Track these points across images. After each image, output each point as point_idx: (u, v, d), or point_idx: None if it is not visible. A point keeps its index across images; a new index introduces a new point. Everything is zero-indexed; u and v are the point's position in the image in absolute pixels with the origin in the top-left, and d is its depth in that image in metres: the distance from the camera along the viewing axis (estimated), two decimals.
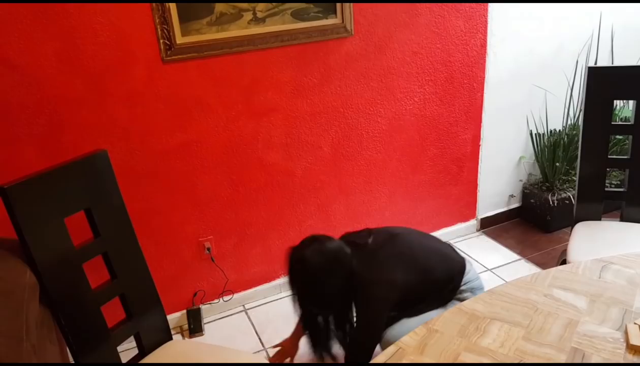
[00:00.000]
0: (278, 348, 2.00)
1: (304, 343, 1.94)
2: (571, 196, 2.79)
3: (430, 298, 1.69)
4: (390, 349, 1.15)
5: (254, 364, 1.55)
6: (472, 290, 1.72)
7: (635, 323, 1.17)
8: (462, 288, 1.71)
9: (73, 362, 1.36)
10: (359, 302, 1.63)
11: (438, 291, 1.69)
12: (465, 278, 1.73)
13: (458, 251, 1.84)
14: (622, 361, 1.08)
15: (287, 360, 1.98)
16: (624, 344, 1.13)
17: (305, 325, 1.80)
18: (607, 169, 2.04)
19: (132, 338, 1.54)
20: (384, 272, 1.60)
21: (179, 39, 1.88)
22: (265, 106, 2.15)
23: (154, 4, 1.81)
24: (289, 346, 1.97)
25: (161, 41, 1.87)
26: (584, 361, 1.09)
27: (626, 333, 1.15)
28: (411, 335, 1.19)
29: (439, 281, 1.68)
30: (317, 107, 2.25)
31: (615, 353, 1.10)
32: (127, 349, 1.96)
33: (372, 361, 1.12)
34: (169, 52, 1.89)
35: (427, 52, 2.38)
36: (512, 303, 1.28)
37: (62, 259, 1.33)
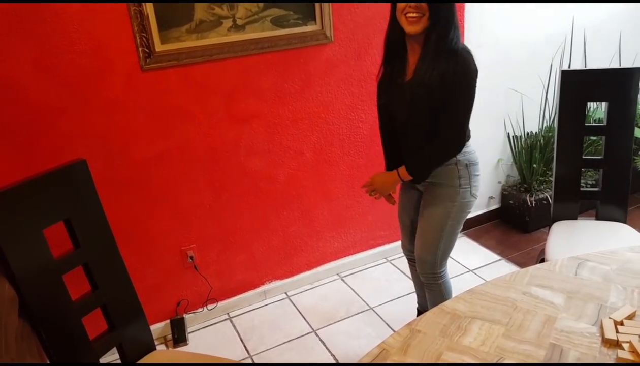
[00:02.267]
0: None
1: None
2: (548, 197, 2.86)
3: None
4: (374, 351, 1.16)
5: (239, 364, 1.54)
6: (468, 160, 1.69)
7: (610, 318, 1.21)
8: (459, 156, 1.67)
9: None
10: (457, 77, 1.53)
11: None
12: (467, 146, 1.69)
13: None
14: (597, 354, 1.11)
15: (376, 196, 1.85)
16: (600, 338, 1.16)
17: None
18: (583, 170, 2.09)
19: (115, 349, 1.52)
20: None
21: (158, 47, 1.88)
22: (246, 113, 2.15)
23: (132, 12, 1.81)
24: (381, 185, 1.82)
25: (140, 49, 1.87)
26: (562, 356, 1.11)
27: (601, 327, 1.19)
28: (394, 336, 1.20)
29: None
30: (299, 113, 2.27)
31: (592, 347, 1.13)
32: (111, 361, 1.94)
33: (357, 362, 1.13)
34: (148, 60, 1.89)
35: None
36: (492, 301, 1.31)
37: (42, 271, 1.31)
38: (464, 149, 1.70)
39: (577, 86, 1.99)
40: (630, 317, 1.21)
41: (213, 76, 2.03)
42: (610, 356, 1.10)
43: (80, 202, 1.42)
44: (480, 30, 2.59)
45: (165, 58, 1.91)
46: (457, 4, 1.71)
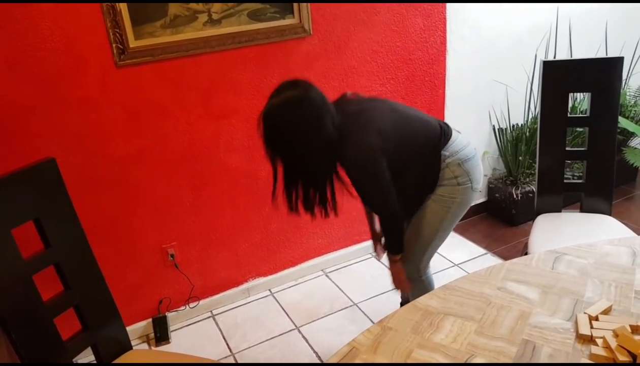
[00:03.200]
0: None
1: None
2: (534, 189, 2.84)
3: (415, 162, 1.62)
4: (344, 349, 1.14)
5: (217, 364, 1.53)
6: (460, 159, 1.65)
7: (585, 313, 1.19)
8: (446, 153, 1.64)
9: None
10: (350, 167, 1.49)
11: (424, 151, 1.62)
12: (453, 146, 1.65)
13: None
14: (570, 350, 1.10)
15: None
16: (574, 334, 1.14)
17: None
18: (569, 162, 2.07)
19: (89, 349, 1.50)
20: (366, 125, 1.48)
21: (132, 43, 1.85)
22: (225, 109, 2.12)
23: (104, 8, 1.77)
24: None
25: (114, 45, 1.83)
26: (534, 352, 1.10)
27: (576, 323, 1.17)
28: (365, 334, 1.18)
29: (419, 141, 1.61)
30: None
31: (565, 343, 1.12)
32: (85, 362, 1.92)
33: (326, 361, 1.12)
34: (122, 57, 1.86)
35: (387, 50, 2.39)
36: (466, 297, 1.29)
37: (11, 272, 1.29)
38: (452, 149, 1.65)
39: (559, 76, 1.97)
40: (606, 312, 1.20)
41: (189, 72, 2.00)
42: (583, 352, 1.09)
43: (50, 201, 1.40)
44: (463, 22, 2.56)
45: (140, 54, 1.88)
46: None
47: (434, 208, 1.71)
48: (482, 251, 2.73)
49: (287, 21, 2.08)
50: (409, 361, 1.10)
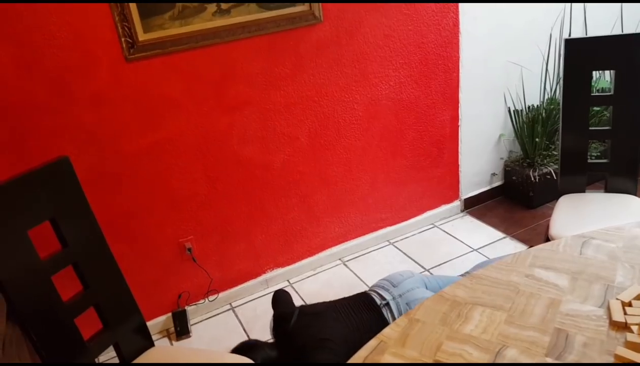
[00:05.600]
0: None
1: None
2: (552, 171, 2.79)
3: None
4: (372, 342, 1.12)
5: (240, 364, 1.51)
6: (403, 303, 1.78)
7: (617, 299, 1.15)
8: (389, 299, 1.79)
9: None
10: None
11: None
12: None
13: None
14: (605, 338, 1.06)
15: None
16: (607, 321, 1.11)
17: None
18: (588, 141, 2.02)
19: (111, 348, 1.49)
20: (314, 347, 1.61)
21: (142, 36, 1.82)
22: (237, 100, 2.09)
23: (112, 2, 1.74)
24: None
25: (123, 39, 1.80)
26: (568, 341, 1.07)
27: (609, 309, 1.14)
28: (392, 327, 1.16)
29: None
30: (292, 97, 2.20)
31: (599, 331, 1.09)
32: (108, 360, 1.92)
33: (354, 356, 1.09)
34: (131, 50, 1.83)
35: (399, 34, 2.33)
36: (493, 286, 1.26)
37: (29, 273, 1.28)
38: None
39: (581, 54, 1.91)
40: (639, 297, 1.16)
41: (200, 64, 1.97)
42: (618, 339, 1.06)
43: (65, 200, 1.38)
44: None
45: (150, 47, 1.85)
46: None
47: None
48: (500, 235, 2.69)
49: (297, 8, 2.03)
50: (439, 353, 1.07)
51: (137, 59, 1.85)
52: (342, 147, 2.41)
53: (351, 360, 1.08)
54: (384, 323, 1.72)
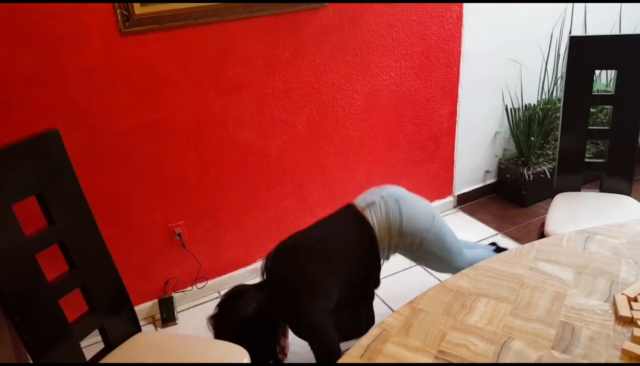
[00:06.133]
0: None
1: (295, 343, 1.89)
2: (546, 170, 2.78)
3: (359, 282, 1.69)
4: (374, 331, 1.08)
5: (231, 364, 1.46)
6: (397, 231, 1.67)
7: (622, 294, 1.14)
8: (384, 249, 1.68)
9: (31, 362, 1.25)
10: (299, 331, 1.58)
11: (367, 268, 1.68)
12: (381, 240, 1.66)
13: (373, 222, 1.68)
14: (611, 333, 1.04)
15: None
16: (613, 315, 1.09)
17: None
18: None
19: (97, 332, 1.43)
20: (306, 287, 1.54)
21: (138, 9, 1.74)
22: (235, 82, 2.03)
23: None
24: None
25: (118, 12, 1.73)
26: (574, 335, 1.04)
27: (614, 304, 1.12)
28: (395, 316, 1.12)
29: (359, 277, 1.68)
30: (291, 83, 2.15)
31: (605, 325, 1.07)
32: (93, 343, 1.85)
33: (356, 345, 1.05)
34: (127, 24, 1.75)
35: (403, 24, 2.29)
36: (498, 278, 1.23)
37: (12, 250, 1.21)
38: (384, 243, 1.68)
39: (584, 52, 1.90)
40: None
41: (198, 42, 1.90)
42: (625, 334, 1.04)
43: (53, 175, 1.32)
44: None
45: (146, 22, 1.77)
46: None
47: (427, 248, 1.72)
48: (492, 231, 2.68)
49: None
50: (443, 343, 1.04)
51: (132, 33, 1.78)
52: (339, 137, 2.36)
53: (353, 348, 1.04)
54: (367, 225, 1.64)
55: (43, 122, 1.75)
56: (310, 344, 1.55)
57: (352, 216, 1.68)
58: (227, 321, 1.57)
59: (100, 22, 1.73)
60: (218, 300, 1.67)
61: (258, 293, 1.59)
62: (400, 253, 1.76)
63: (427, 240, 1.70)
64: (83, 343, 1.36)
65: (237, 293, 1.61)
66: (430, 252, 1.73)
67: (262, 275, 1.66)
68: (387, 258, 1.75)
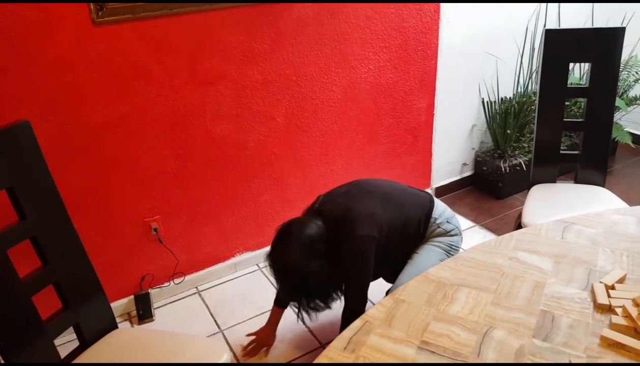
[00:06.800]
0: (253, 338, 1.91)
1: (280, 332, 1.90)
2: (522, 163, 2.83)
3: (408, 235, 1.69)
4: (357, 323, 1.08)
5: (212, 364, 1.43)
6: (449, 219, 1.74)
7: (600, 282, 1.16)
8: (438, 221, 1.72)
9: (2, 362, 1.20)
10: (346, 249, 1.56)
11: (416, 227, 1.69)
12: (437, 211, 1.73)
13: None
14: (590, 320, 1.06)
15: (264, 350, 1.91)
16: (591, 304, 1.11)
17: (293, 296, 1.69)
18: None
19: (71, 329, 1.39)
20: (359, 211, 1.58)
21: None
22: (212, 74, 1.99)
23: None
24: (264, 336, 1.90)
25: (91, 1, 1.67)
26: (554, 323, 1.06)
27: (592, 292, 1.14)
28: (378, 307, 1.12)
29: (413, 216, 1.69)
30: (269, 75, 2.12)
31: (584, 313, 1.09)
32: (67, 341, 1.80)
33: (338, 337, 1.05)
34: (100, 13, 1.70)
35: (381, 17, 2.29)
36: (478, 268, 1.24)
37: None
38: (438, 214, 1.73)
39: (560, 45, 1.93)
40: (621, 281, 1.17)
41: (174, 32, 1.86)
42: (603, 322, 1.06)
43: (25, 168, 1.26)
44: None
45: (120, 11, 1.72)
46: None
47: (434, 250, 1.71)
48: (470, 223, 2.71)
49: None
50: (426, 334, 1.04)
51: (105, 23, 1.72)
52: (318, 130, 2.35)
53: (336, 341, 1.04)
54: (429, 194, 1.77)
55: (12, 113, 1.68)
56: (349, 266, 1.56)
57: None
58: (291, 246, 1.52)
59: (73, 11, 1.67)
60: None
61: (315, 217, 1.61)
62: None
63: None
64: (57, 341, 1.31)
65: (294, 220, 1.60)
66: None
67: (312, 207, 1.72)
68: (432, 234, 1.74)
